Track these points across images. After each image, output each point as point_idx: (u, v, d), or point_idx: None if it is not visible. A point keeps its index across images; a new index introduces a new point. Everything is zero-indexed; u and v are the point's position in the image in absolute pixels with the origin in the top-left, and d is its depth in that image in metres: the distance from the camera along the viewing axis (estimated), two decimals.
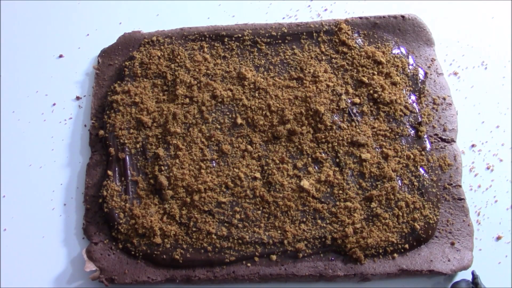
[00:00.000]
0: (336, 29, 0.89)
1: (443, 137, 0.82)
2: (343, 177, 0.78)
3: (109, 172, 0.80)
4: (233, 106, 0.84)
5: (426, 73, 0.86)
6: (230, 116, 0.83)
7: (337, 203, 0.77)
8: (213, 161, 0.80)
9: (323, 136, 0.81)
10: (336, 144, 0.80)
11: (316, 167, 0.79)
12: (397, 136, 0.81)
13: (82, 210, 0.80)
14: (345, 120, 0.82)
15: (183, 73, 0.85)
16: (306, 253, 0.75)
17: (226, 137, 0.81)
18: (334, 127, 0.81)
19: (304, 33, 0.89)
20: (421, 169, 0.79)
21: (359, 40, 0.88)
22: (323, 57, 0.87)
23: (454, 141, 0.83)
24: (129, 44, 0.90)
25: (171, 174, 0.79)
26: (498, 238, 0.78)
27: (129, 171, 0.80)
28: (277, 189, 0.78)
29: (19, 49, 0.93)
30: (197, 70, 0.86)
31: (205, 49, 0.88)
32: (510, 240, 0.78)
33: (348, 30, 0.89)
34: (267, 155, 0.80)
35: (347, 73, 0.86)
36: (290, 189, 0.78)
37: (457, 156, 0.81)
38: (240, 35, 0.89)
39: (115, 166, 0.80)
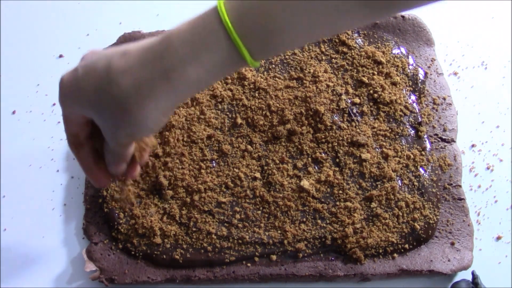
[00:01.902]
0: None
1: (443, 137, 0.82)
2: (343, 177, 0.78)
3: None
4: (233, 106, 0.84)
5: (426, 73, 0.86)
6: (230, 116, 0.83)
7: (337, 203, 0.77)
8: (213, 161, 0.80)
9: (323, 136, 0.81)
10: (336, 144, 0.80)
11: (316, 167, 0.79)
12: (397, 136, 0.81)
13: (82, 210, 0.80)
14: (345, 120, 0.82)
15: None
16: (306, 253, 0.75)
17: (226, 137, 0.81)
18: (334, 127, 0.81)
19: None
20: (421, 169, 0.79)
21: (359, 40, 0.88)
22: (323, 57, 0.87)
23: (454, 141, 0.82)
24: None
25: (171, 174, 0.79)
26: (498, 238, 0.78)
27: None
28: (277, 189, 0.78)
29: (19, 49, 0.93)
30: None
31: None
32: (510, 240, 0.78)
33: (348, 30, 0.89)
34: (267, 155, 0.80)
35: (347, 73, 0.86)
36: (290, 189, 0.78)
37: (457, 156, 0.81)
38: None
39: None
